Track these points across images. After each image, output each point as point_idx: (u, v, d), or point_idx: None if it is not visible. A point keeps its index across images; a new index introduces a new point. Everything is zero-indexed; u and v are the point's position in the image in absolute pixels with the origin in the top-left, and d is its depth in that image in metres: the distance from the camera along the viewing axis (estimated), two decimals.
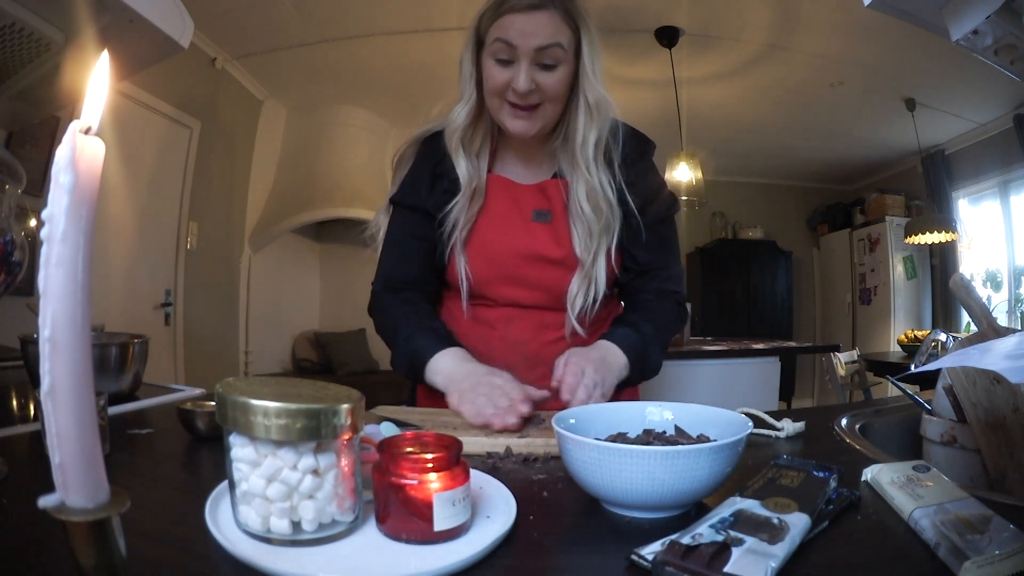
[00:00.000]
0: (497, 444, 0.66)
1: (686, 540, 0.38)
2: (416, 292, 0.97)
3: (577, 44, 0.86)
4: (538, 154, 0.97)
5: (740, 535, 0.39)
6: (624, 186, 0.92)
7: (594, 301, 0.92)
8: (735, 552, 0.37)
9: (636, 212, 0.92)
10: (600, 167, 0.91)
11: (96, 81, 0.30)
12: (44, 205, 0.27)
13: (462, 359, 0.86)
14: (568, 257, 0.93)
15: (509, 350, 0.96)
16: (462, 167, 0.91)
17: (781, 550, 0.38)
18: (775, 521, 0.41)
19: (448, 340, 0.88)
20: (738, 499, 0.45)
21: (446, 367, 0.85)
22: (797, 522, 0.41)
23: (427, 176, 0.95)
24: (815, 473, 0.50)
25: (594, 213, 0.90)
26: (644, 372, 0.90)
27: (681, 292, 1.00)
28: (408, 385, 1.09)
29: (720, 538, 0.39)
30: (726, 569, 0.35)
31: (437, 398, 1.00)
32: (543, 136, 0.93)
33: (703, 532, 0.40)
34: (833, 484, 0.49)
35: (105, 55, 0.31)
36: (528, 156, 0.97)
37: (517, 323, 0.97)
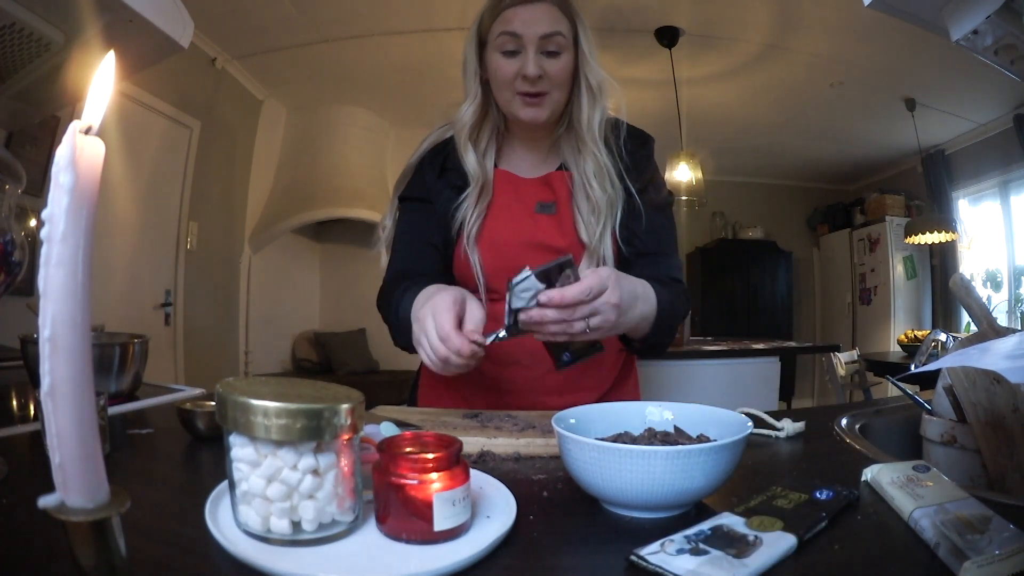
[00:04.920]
0: (496, 444, 0.66)
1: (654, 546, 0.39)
2: (432, 280, 0.94)
3: (575, 35, 0.91)
4: (543, 145, 0.99)
5: (708, 548, 0.39)
6: (624, 169, 0.95)
7: None
8: (697, 559, 0.38)
9: (636, 193, 0.95)
10: (604, 149, 0.94)
11: (100, 80, 0.30)
12: (44, 205, 0.27)
13: (427, 295, 0.81)
14: (573, 245, 0.93)
15: (515, 344, 0.95)
16: (470, 162, 0.94)
17: (746, 566, 0.37)
18: (750, 538, 0.41)
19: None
20: (727, 514, 0.45)
21: (415, 311, 0.79)
22: (775, 541, 0.40)
23: (435, 172, 0.97)
24: (817, 495, 0.49)
25: (601, 189, 0.92)
26: (662, 332, 0.86)
27: (684, 284, 0.99)
28: (410, 384, 1.07)
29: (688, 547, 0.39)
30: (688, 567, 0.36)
31: (437, 398, 0.99)
32: (549, 126, 0.96)
33: (675, 539, 0.40)
34: (830, 496, 0.48)
35: (111, 55, 0.30)
36: (533, 148, 1.00)
37: None
